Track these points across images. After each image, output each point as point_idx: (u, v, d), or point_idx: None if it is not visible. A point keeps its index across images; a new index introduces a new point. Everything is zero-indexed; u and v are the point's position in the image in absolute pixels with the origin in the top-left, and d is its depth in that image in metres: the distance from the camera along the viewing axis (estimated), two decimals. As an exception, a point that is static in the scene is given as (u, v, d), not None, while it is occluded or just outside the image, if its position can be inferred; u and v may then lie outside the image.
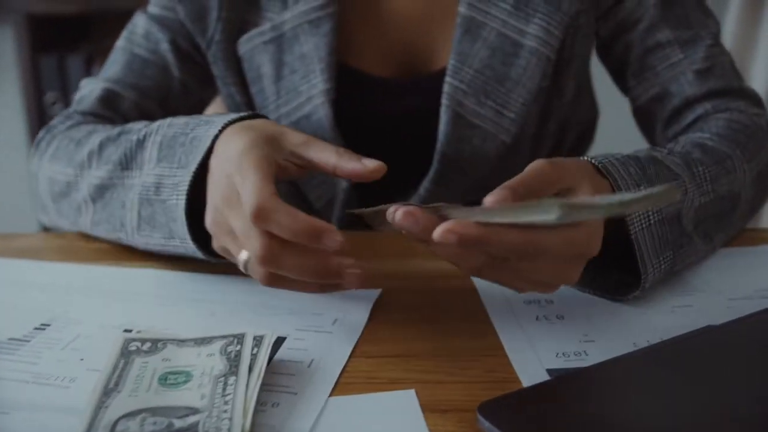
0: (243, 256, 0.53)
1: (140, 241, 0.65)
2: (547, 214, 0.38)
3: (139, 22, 0.86)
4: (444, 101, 0.79)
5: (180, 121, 0.64)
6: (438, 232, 0.45)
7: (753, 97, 0.81)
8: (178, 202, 0.60)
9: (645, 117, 0.85)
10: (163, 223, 0.62)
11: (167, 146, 0.62)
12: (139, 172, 0.64)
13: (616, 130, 1.25)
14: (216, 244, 0.57)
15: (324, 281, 0.51)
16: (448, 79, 0.79)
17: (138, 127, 0.67)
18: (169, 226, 0.61)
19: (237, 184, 0.52)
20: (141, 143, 0.65)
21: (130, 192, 0.64)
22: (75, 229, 0.73)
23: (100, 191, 0.67)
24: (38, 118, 1.92)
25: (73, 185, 0.70)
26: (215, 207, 0.55)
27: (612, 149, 0.66)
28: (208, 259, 0.61)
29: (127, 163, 0.65)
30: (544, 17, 0.79)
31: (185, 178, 0.60)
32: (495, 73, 0.79)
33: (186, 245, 0.61)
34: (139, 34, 0.85)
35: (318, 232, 0.48)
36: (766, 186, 0.75)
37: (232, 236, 0.54)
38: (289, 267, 0.50)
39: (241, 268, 0.54)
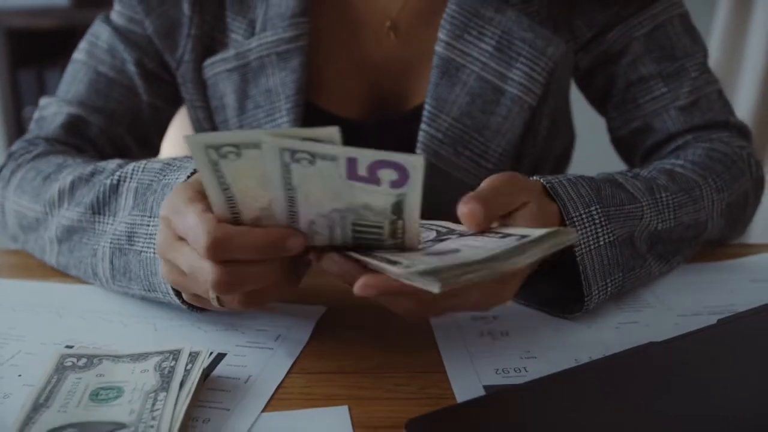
0: (211, 293, 0.51)
1: (118, 290, 0.63)
2: (430, 286, 0.41)
3: (102, 34, 0.81)
4: (418, 151, 0.76)
5: (155, 166, 0.62)
6: (358, 286, 0.44)
7: (740, 129, 0.80)
8: (157, 255, 0.56)
9: (625, 147, 0.85)
10: (140, 276, 0.59)
11: (142, 194, 0.60)
12: (113, 218, 0.62)
13: (596, 149, 1.24)
14: (186, 296, 0.54)
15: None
16: (423, 126, 0.76)
17: (111, 167, 0.65)
18: (149, 279, 0.58)
19: (175, 225, 0.50)
20: (115, 188, 0.63)
21: (101, 239, 0.62)
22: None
23: (68, 233, 0.66)
24: (17, 132, 1.93)
25: (42, 222, 0.69)
26: (162, 257, 0.53)
27: (591, 167, 0.67)
28: (196, 312, 0.59)
29: (99, 208, 0.63)
30: (527, 62, 0.75)
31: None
32: (474, 122, 0.76)
33: (170, 299, 0.58)
34: (103, 49, 0.81)
35: (282, 240, 0.48)
36: (738, 218, 0.74)
37: (185, 277, 0.51)
38: (254, 276, 0.49)
39: (215, 304, 0.51)
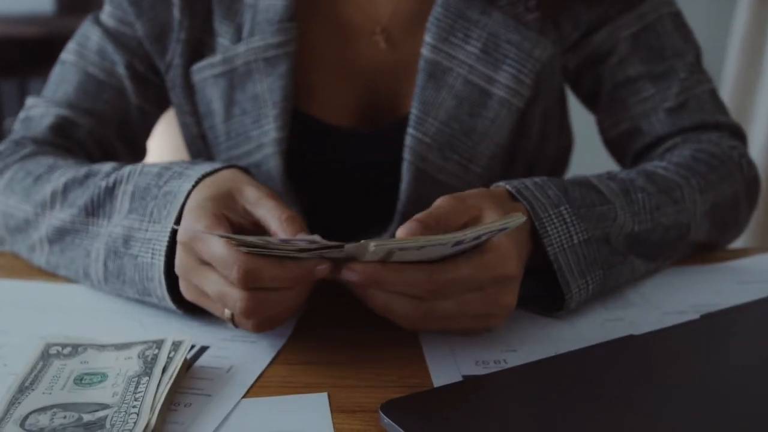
0: (227, 314, 0.57)
1: (110, 292, 0.68)
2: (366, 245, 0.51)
3: (93, 36, 0.85)
4: (406, 156, 0.80)
5: (153, 170, 0.66)
6: (343, 271, 0.54)
7: (732, 129, 0.84)
8: (154, 261, 0.62)
9: (615, 148, 0.89)
10: (135, 280, 0.64)
11: (140, 197, 0.65)
12: (107, 221, 0.67)
13: (598, 151, 1.28)
14: (204, 307, 0.60)
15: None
16: (410, 131, 0.79)
17: (106, 170, 0.69)
18: (144, 284, 0.63)
19: (199, 251, 0.56)
20: (110, 191, 0.67)
21: (96, 241, 0.67)
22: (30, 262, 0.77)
23: (60, 234, 0.70)
24: (-3, 145, 1.99)
25: (32, 223, 0.73)
26: (183, 278, 0.59)
27: (592, 170, 0.71)
28: (187, 314, 0.64)
29: (93, 210, 0.68)
30: (514, 64, 0.79)
31: (161, 236, 0.62)
32: (461, 126, 0.80)
33: (165, 304, 0.63)
34: (92, 50, 0.85)
35: (309, 271, 0.54)
36: (727, 220, 0.78)
37: (208, 299, 0.58)
38: (274, 303, 0.55)
39: (229, 324, 0.58)
